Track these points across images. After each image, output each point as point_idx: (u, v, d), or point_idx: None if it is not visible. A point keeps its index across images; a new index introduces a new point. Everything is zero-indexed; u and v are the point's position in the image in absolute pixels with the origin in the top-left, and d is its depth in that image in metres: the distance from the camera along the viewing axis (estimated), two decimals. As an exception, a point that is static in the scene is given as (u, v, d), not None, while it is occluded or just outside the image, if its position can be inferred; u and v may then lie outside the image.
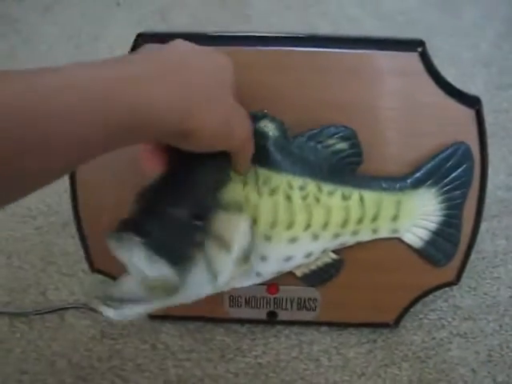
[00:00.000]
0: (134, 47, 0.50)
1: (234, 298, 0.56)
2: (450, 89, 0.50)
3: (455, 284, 0.56)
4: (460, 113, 0.51)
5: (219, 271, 0.43)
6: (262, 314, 0.57)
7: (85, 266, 0.58)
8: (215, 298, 0.55)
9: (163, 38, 0.49)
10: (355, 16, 0.95)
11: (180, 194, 0.42)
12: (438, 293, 0.59)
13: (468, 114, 0.51)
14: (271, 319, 0.57)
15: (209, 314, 0.58)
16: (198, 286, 0.42)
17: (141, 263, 0.39)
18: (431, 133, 0.51)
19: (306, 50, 0.50)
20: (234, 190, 0.45)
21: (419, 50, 0.49)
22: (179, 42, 0.40)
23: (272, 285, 0.55)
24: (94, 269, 0.57)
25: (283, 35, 0.50)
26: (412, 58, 0.49)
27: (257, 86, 0.50)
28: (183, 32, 0.50)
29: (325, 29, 0.79)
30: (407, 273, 0.54)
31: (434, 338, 0.58)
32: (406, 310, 0.57)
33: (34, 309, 0.60)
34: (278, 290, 0.55)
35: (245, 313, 0.57)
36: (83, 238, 0.55)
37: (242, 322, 0.59)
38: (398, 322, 0.57)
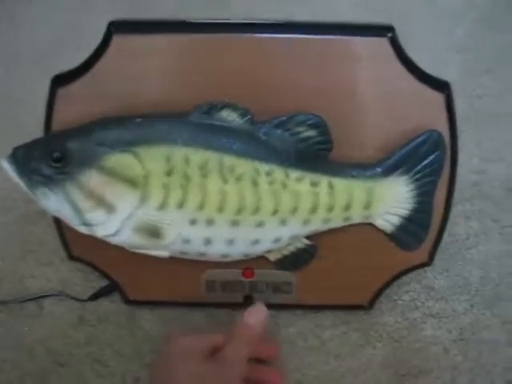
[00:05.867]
0: (106, 36, 0.50)
1: (210, 282, 0.57)
2: (419, 73, 0.51)
3: (428, 265, 0.57)
4: (430, 97, 0.51)
5: (90, 219, 0.48)
6: (238, 298, 0.57)
7: (61, 254, 0.59)
8: (192, 283, 0.56)
9: (135, 26, 0.50)
10: (330, 2, 0.94)
11: (53, 136, 0.50)
12: (411, 275, 0.60)
13: (438, 98, 0.51)
14: (247, 303, 0.58)
15: (187, 299, 0.58)
16: (67, 217, 0.49)
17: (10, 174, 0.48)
18: (402, 118, 0.52)
19: (277, 37, 0.50)
20: (124, 163, 0.48)
21: (389, 35, 0.50)
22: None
23: (247, 269, 0.56)
24: (71, 256, 0.57)
25: (253, 21, 0.51)
26: (382, 43, 0.50)
27: (227, 71, 0.50)
28: (159, 20, 0.51)
29: (299, 14, 0.78)
30: (380, 255, 0.55)
31: (407, 319, 0.59)
32: (380, 291, 0.58)
33: (13, 297, 0.61)
34: (254, 274, 0.56)
35: (221, 297, 0.58)
36: (59, 226, 0.56)
37: (219, 306, 0.59)
38: (372, 303, 0.58)
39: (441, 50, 0.85)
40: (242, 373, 0.47)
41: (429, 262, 0.57)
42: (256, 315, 0.50)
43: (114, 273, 0.58)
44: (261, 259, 0.54)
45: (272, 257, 0.54)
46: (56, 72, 0.51)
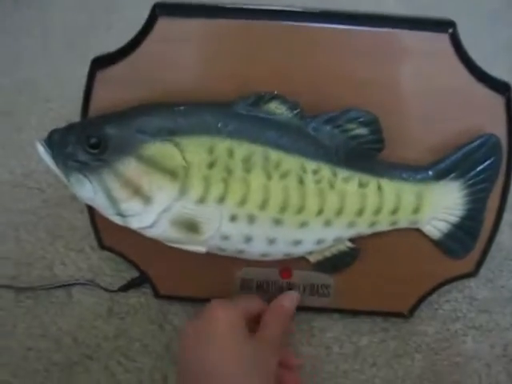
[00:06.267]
0: (150, 19, 0.48)
1: (245, 280, 0.55)
2: (479, 73, 0.48)
3: (473, 276, 0.54)
4: (489, 99, 0.48)
5: (126, 209, 0.46)
6: (273, 299, 0.55)
7: (92, 241, 0.57)
8: (226, 281, 0.54)
9: (181, 9, 0.48)
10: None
11: (91, 120, 0.48)
12: (453, 283, 0.57)
13: (497, 100, 0.48)
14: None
15: (219, 296, 0.56)
16: (102, 206, 0.47)
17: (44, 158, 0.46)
18: (457, 119, 0.49)
19: (329, 27, 0.47)
20: (164, 153, 0.45)
21: (450, 31, 0.47)
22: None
23: (285, 269, 0.54)
24: (102, 245, 0.56)
25: (303, 10, 0.48)
26: (442, 39, 0.47)
27: (275, 61, 0.48)
28: (206, 3, 0.48)
29: (345, 4, 0.76)
30: (424, 262, 0.53)
31: (448, 330, 0.57)
32: (421, 300, 0.55)
33: (41, 283, 0.59)
34: (292, 275, 0.54)
35: (256, 297, 0.56)
36: (92, 213, 0.54)
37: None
38: (412, 312, 0.56)
39: (489, 49, 0.82)
40: (278, 354, 0.47)
41: (475, 273, 0.54)
42: (290, 298, 0.52)
43: (146, 265, 0.56)
44: (300, 259, 0.52)
45: (313, 258, 0.52)
46: (91, 55, 0.49)
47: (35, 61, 0.84)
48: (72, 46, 0.83)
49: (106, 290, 0.59)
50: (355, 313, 0.57)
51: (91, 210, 0.53)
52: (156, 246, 0.49)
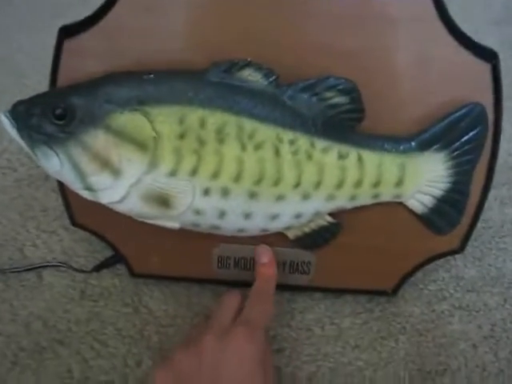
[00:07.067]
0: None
1: (222, 258, 0.53)
2: (464, 40, 0.46)
3: (459, 252, 0.52)
4: (474, 67, 0.46)
5: (94, 183, 0.44)
6: (251, 277, 0.53)
7: (65, 222, 0.55)
8: (203, 258, 0.53)
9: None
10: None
11: (57, 91, 0.47)
12: (439, 262, 0.55)
13: (483, 68, 0.46)
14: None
15: (196, 274, 0.54)
16: (69, 180, 0.45)
17: (9, 131, 0.44)
18: (442, 88, 0.47)
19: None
20: (133, 123, 0.43)
21: (433, -5, 0.45)
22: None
23: (263, 246, 0.52)
24: (74, 223, 0.53)
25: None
26: (424, 4, 0.45)
27: (249, 29, 0.46)
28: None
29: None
30: (408, 238, 0.51)
31: (433, 310, 0.55)
32: (406, 278, 0.53)
33: (11, 266, 0.57)
34: (271, 252, 0.52)
35: (234, 275, 0.54)
36: (63, 190, 0.51)
37: (230, 284, 0.55)
38: (396, 290, 0.54)
39: (479, 22, 0.80)
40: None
41: (460, 250, 0.52)
42: (266, 253, 0.51)
43: (120, 243, 0.54)
44: (278, 236, 0.50)
45: (291, 234, 0.49)
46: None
47: (9, 36, 0.82)
48: (47, 21, 0.81)
49: (78, 270, 0.56)
50: (337, 291, 0.55)
51: (62, 186, 0.51)
52: (130, 224, 0.48)
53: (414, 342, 0.53)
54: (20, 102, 0.44)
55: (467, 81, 0.47)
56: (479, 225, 0.52)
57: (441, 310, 0.55)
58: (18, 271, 0.57)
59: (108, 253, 0.56)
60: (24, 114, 0.44)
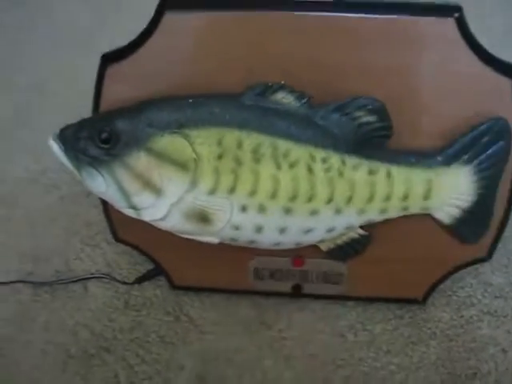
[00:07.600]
0: (157, 13, 0.48)
1: (258, 270, 0.55)
2: (487, 57, 0.47)
3: (487, 260, 0.54)
4: (496, 82, 0.48)
5: (138, 202, 0.47)
6: (286, 287, 0.56)
7: (107, 236, 0.58)
8: (240, 270, 0.55)
9: (188, 2, 0.48)
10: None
11: (102, 115, 0.49)
12: (467, 269, 0.57)
13: (505, 83, 0.48)
14: (296, 292, 0.56)
15: (233, 286, 0.57)
16: (114, 199, 0.48)
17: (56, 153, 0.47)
18: (466, 104, 0.49)
19: (337, 16, 0.47)
20: (174, 145, 0.46)
21: (456, 15, 0.46)
22: None
23: (298, 258, 0.54)
24: (117, 238, 0.56)
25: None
26: (448, 24, 0.47)
27: (283, 52, 0.48)
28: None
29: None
30: (437, 248, 0.53)
31: (462, 316, 0.57)
32: (435, 286, 0.55)
33: (58, 278, 0.60)
34: (304, 263, 0.54)
35: (269, 285, 0.56)
36: (106, 207, 0.54)
37: (266, 294, 0.57)
38: (426, 298, 0.56)
39: (497, 33, 0.81)
40: None
41: (488, 258, 0.54)
42: None
43: (161, 257, 0.57)
44: (312, 248, 0.52)
45: (324, 246, 0.52)
46: (99, 52, 0.50)
47: (46, 60, 0.85)
48: (81, 44, 0.84)
49: (121, 282, 0.59)
50: (369, 300, 0.57)
51: (105, 204, 0.54)
52: (170, 238, 0.50)
53: (445, 346, 0.55)
54: (67, 127, 0.47)
55: (489, 96, 0.48)
56: (506, 233, 0.53)
57: (469, 316, 0.57)
58: (65, 283, 0.60)
59: (149, 265, 0.59)
60: (71, 138, 0.47)
